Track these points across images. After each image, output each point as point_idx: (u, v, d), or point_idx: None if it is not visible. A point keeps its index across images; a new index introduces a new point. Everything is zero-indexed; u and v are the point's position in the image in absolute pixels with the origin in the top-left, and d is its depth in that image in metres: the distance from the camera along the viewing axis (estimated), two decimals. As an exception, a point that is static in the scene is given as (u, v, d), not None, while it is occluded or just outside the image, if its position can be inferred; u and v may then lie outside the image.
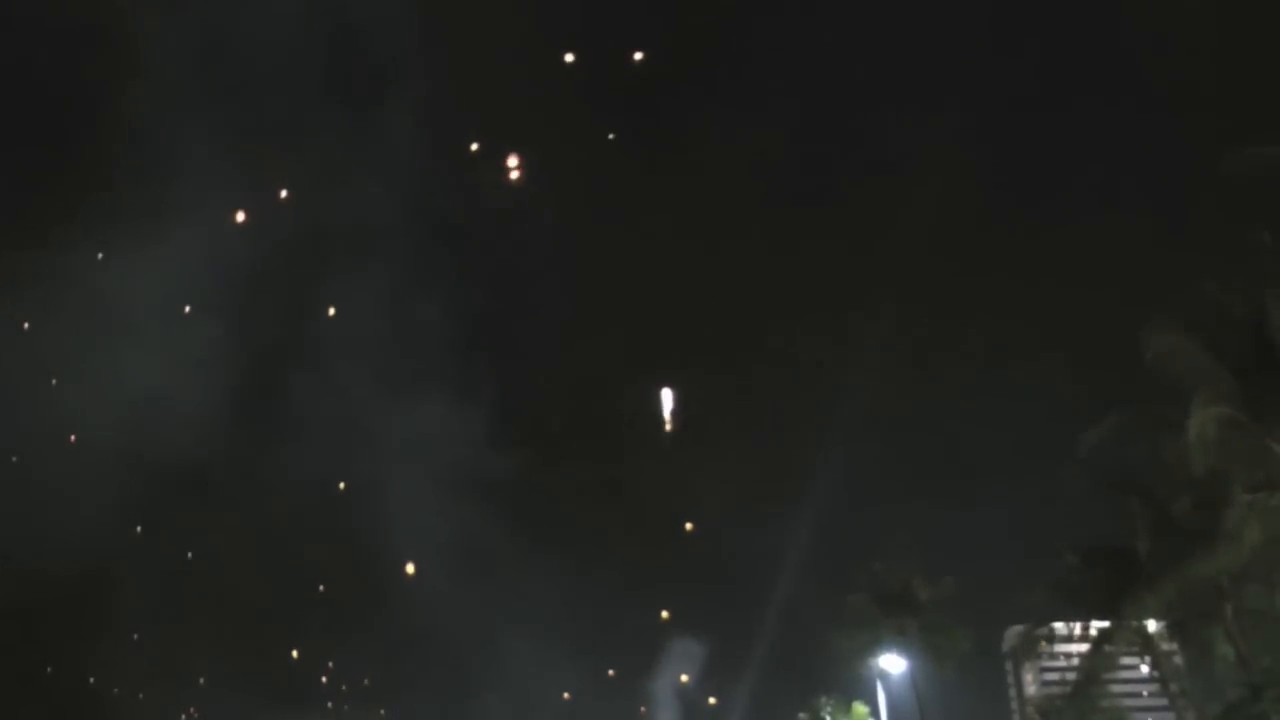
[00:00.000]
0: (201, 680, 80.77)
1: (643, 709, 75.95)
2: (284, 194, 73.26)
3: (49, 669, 78.99)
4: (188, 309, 74.69)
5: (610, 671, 76.14)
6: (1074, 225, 69.60)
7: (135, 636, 78.74)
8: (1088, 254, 68.54)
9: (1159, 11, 61.85)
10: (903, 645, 50.89)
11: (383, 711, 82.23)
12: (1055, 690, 50.99)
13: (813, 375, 75.91)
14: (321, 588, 79.30)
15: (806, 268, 77.99)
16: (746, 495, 71.59)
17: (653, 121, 76.37)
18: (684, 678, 73.73)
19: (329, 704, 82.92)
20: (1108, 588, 35.65)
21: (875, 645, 51.65)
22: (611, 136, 74.69)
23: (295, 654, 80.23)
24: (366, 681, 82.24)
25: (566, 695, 75.49)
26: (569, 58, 68.98)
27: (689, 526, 74.57)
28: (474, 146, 72.25)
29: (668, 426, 75.05)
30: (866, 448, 73.05)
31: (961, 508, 68.45)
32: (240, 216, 72.08)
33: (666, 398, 75.94)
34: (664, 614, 73.36)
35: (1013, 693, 64.75)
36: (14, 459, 74.69)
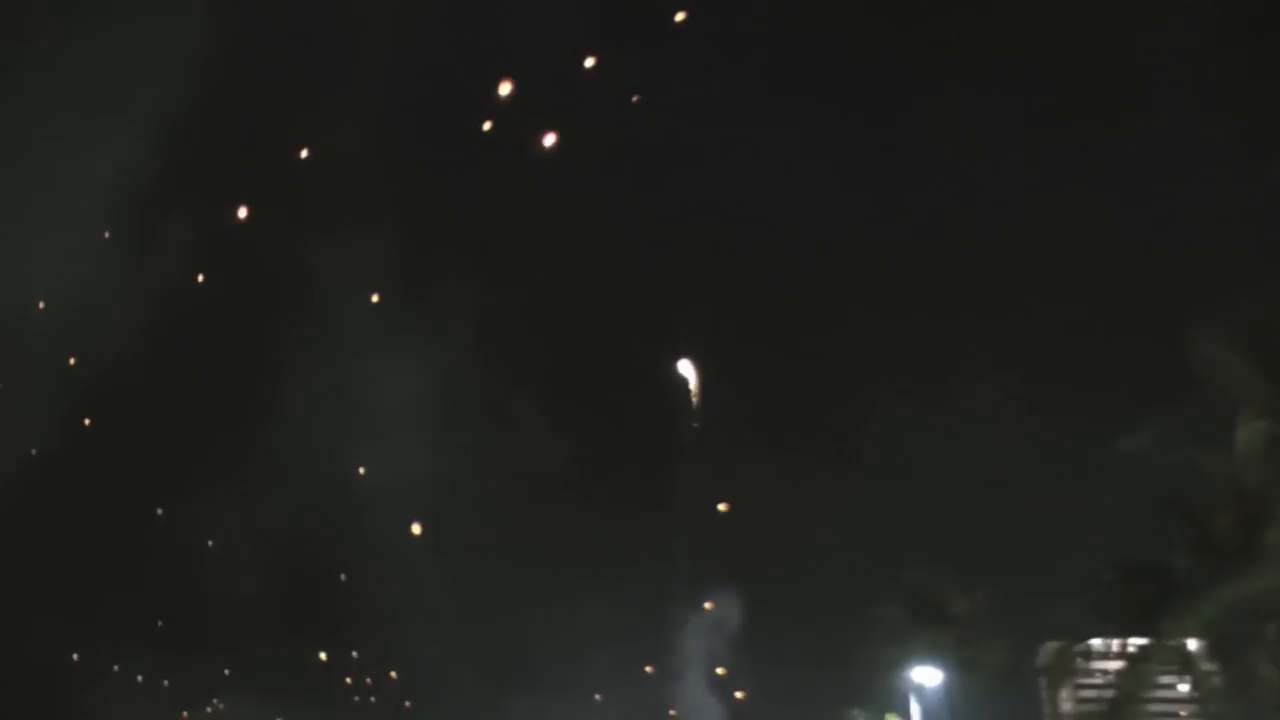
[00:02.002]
0: (226, 671, 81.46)
1: (672, 712, 75.23)
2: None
3: (74, 656, 79.51)
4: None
5: (648, 668, 75.27)
6: (1116, 233, 68.49)
7: (159, 624, 79.56)
8: (1128, 262, 67.55)
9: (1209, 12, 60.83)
10: (937, 658, 50.48)
11: (409, 704, 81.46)
12: (1091, 708, 50.38)
13: (854, 379, 74.88)
14: (343, 577, 78.53)
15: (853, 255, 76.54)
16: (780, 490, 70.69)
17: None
18: (721, 670, 73.18)
19: (355, 698, 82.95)
20: (1145, 605, 35.03)
21: (909, 658, 51.26)
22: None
23: (323, 655, 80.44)
24: (394, 674, 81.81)
25: (598, 697, 74.83)
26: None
27: (723, 507, 73.81)
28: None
29: (694, 401, 74.42)
30: (901, 456, 72.20)
31: (996, 519, 67.78)
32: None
33: (690, 372, 75.34)
34: (708, 605, 72.66)
35: (1047, 709, 63.89)
36: None
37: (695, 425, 75.17)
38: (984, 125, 75.22)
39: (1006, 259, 73.56)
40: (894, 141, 79.74)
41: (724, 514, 73.43)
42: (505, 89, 70.59)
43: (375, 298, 74.47)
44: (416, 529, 75.12)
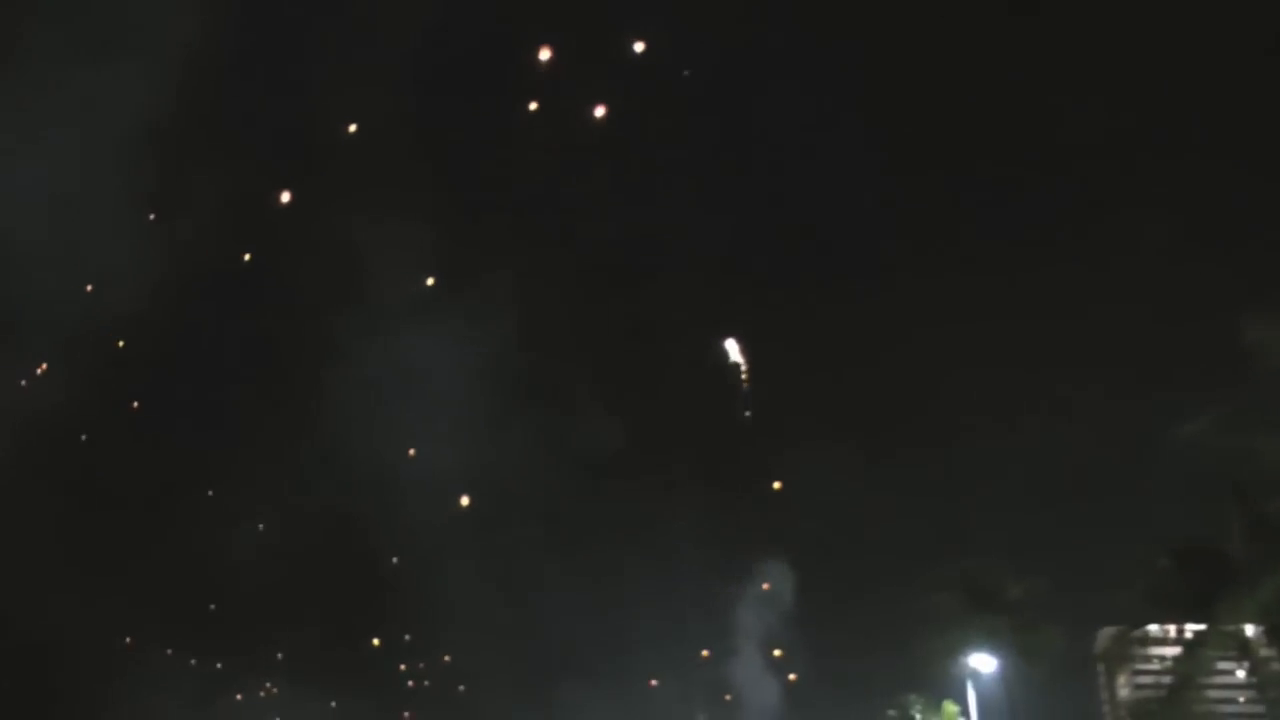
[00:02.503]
0: (280, 655, 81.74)
1: (727, 696, 75.22)
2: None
3: (127, 639, 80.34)
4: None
5: (705, 652, 75.32)
6: (1170, 220, 67.86)
7: (211, 607, 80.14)
8: (1187, 251, 66.96)
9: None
10: (993, 644, 50.54)
11: (462, 688, 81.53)
12: (1148, 694, 50.25)
13: (912, 367, 74.72)
14: (395, 560, 78.94)
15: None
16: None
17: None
18: (777, 652, 73.18)
19: (409, 683, 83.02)
20: (1202, 590, 35.10)
21: (965, 644, 51.32)
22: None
23: (376, 641, 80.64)
24: (447, 658, 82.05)
25: (653, 682, 75.01)
26: None
27: (777, 485, 73.72)
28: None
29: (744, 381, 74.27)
30: (958, 443, 72.07)
31: (1051, 505, 67.56)
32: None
33: (738, 353, 75.23)
34: (765, 585, 72.59)
35: (1104, 696, 63.77)
36: None
37: (746, 407, 75.27)
38: (1040, 118, 74.83)
39: (1065, 247, 73.37)
40: (949, 125, 78.97)
41: (778, 492, 73.36)
42: (545, 57, 70.04)
43: (430, 281, 74.77)
44: (465, 500, 75.29)
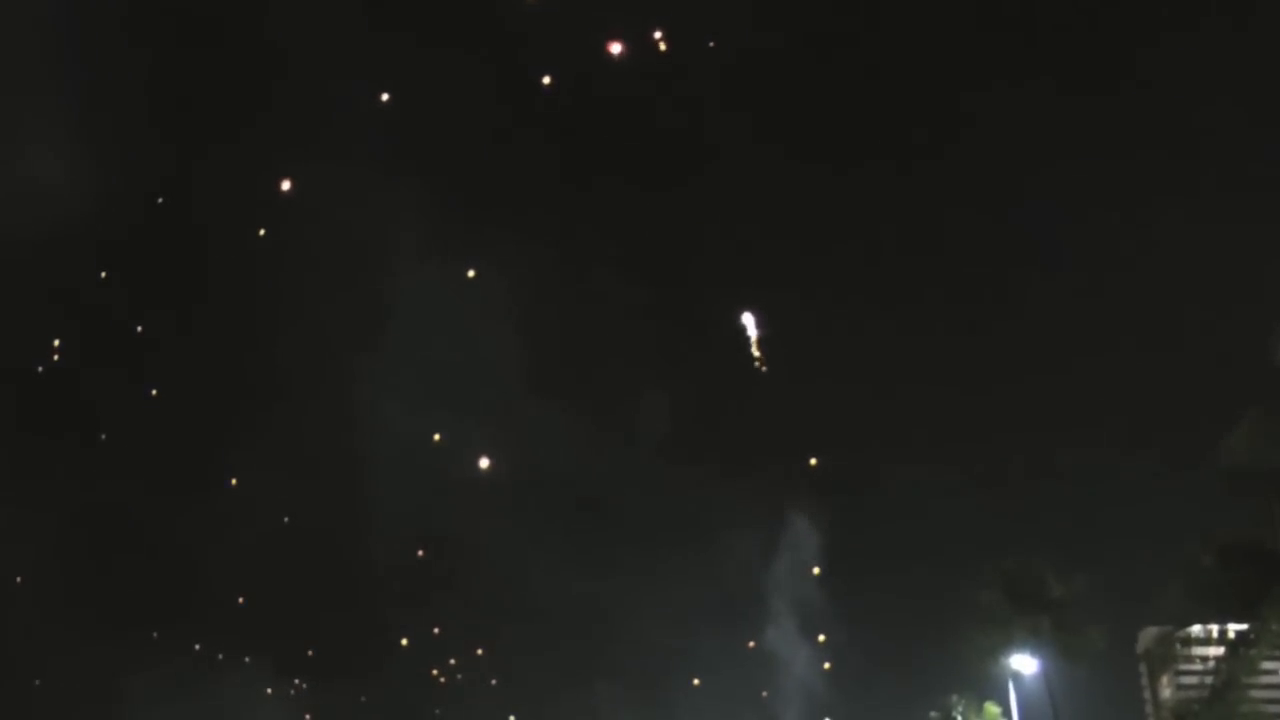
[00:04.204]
0: (310, 652, 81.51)
1: (764, 693, 74.65)
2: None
3: (154, 634, 79.36)
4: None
5: (751, 643, 74.62)
6: (1207, 225, 67.78)
7: (240, 601, 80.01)
8: (1221, 255, 66.88)
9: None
10: (1035, 645, 50.51)
11: (494, 681, 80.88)
12: (1192, 695, 50.05)
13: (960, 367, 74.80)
14: (421, 552, 78.64)
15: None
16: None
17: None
18: (821, 637, 72.82)
19: (441, 679, 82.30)
20: (1247, 589, 35.04)
21: (1007, 644, 51.30)
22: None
23: (404, 641, 79.80)
24: (480, 651, 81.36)
25: (696, 681, 74.68)
26: None
27: (813, 462, 73.39)
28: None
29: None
30: (995, 440, 72.11)
31: (1093, 504, 67.52)
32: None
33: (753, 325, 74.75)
34: (815, 569, 72.19)
35: (1147, 696, 63.56)
36: None
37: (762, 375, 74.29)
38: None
39: (1114, 256, 73.29)
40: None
41: (814, 468, 72.83)
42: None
43: (471, 273, 74.09)
44: (484, 463, 74.76)
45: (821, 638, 72.63)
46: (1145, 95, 72.38)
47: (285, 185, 72.63)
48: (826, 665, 72.51)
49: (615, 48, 69.08)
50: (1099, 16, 75.10)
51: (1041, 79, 75.75)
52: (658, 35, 69.32)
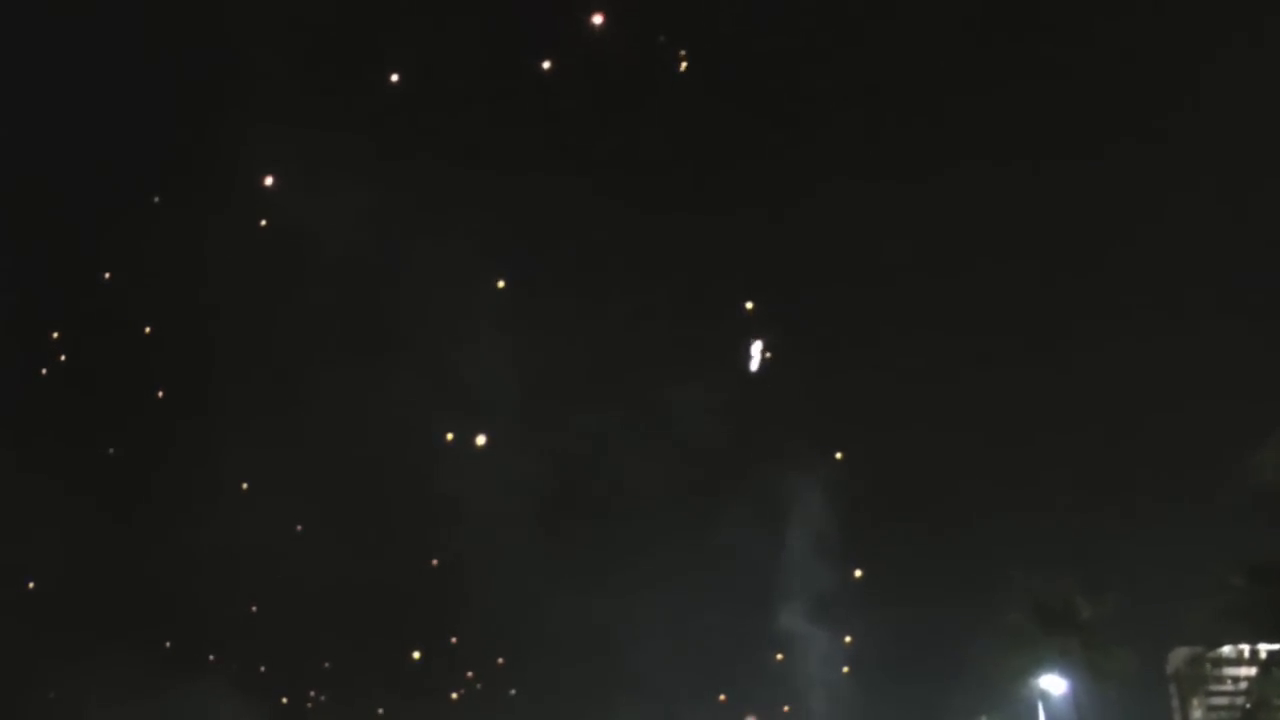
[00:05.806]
0: (327, 664, 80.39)
1: (786, 708, 74.09)
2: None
3: (167, 643, 78.29)
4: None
5: (779, 655, 73.26)
6: (1235, 241, 67.62)
7: (253, 609, 78.87)
8: (1248, 268, 66.74)
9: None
10: (1064, 665, 50.34)
11: (513, 691, 79.73)
12: (1223, 716, 49.88)
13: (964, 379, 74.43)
14: (435, 562, 77.49)
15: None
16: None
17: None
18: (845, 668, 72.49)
19: (457, 691, 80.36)
20: (1277, 609, 34.93)
21: (1036, 665, 51.15)
22: None
23: (416, 655, 78.88)
24: (501, 660, 79.84)
25: (722, 698, 74.39)
26: None
27: (839, 455, 72.81)
28: None
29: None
30: (1021, 456, 71.81)
31: (1120, 523, 67.16)
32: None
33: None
34: (843, 584, 71.65)
35: (1177, 717, 63.21)
36: None
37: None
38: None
39: (1142, 274, 73.03)
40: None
41: (839, 461, 72.19)
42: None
43: (500, 283, 72.80)
44: (481, 440, 74.29)
45: (845, 668, 72.30)
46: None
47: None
48: (847, 672, 71.99)
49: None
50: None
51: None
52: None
